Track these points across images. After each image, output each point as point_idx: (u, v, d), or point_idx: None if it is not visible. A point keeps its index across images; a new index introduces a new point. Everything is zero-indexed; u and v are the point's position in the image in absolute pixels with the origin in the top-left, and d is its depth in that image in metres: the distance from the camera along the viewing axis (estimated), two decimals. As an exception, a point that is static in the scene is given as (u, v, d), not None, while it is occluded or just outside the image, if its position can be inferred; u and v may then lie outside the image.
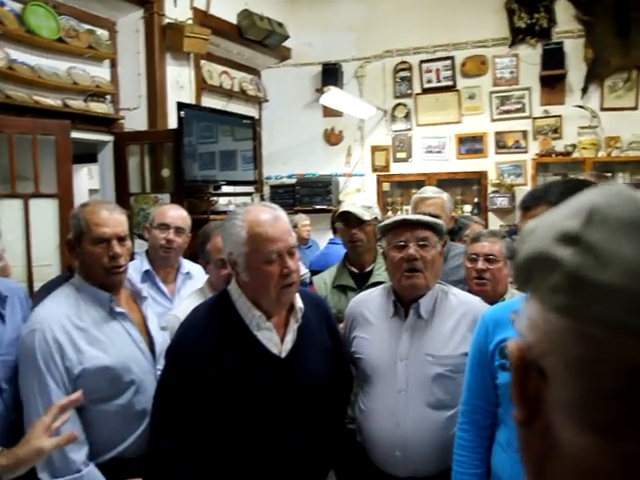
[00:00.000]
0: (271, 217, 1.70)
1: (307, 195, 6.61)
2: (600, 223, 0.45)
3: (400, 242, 1.99)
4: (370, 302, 2.12)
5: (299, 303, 1.79)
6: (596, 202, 0.47)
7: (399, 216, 2.14)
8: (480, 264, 2.41)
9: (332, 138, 6.91)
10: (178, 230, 2.76)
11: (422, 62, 6.49)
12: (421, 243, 1.98)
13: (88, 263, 1.96)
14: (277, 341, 1.74)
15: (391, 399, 1.95)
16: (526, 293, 0.50)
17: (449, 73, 6.41)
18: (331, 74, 6.55)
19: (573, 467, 0.46)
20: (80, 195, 5.66)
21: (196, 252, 2.85)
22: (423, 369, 1.93)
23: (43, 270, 4.01)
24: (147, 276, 2.71)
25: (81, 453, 1.81)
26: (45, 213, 4.18)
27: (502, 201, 6.07)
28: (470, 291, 2.48)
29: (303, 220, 5.85)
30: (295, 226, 6.00)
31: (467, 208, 6.30)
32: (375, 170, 6.74)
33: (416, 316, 2.00)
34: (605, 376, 0.43)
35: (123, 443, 1.91)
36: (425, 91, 6.53)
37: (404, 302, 2.03)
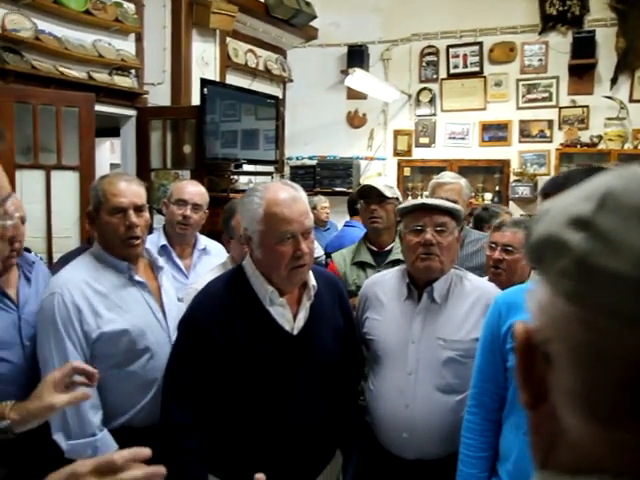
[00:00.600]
0: (289, 197, 1.69)
1: (327, 177, 6.58)
2: (613, 209, 0.44)
3: (418, 226, 1.99)
4: (384, 284, 2.12)
5: (312, 281, 1.79)
6: (611, 186, 0.45)
7: (418, 200, 2.12)
8: (497, 254, 2.39)
9: (355, 121, 6.87)
10: (195, 206, 2.76)
11: (449, 47, 6.39)
12: (439, 229, 1.97)
13: (106, 234, 1.99)
14: (290, 318, 1.75)
15: (401, 381, 1.95)
16: (539, 274, 0.49)
17: (476, 59, 6.32)
18: (357, 56, 6.48)
19: (577, 453, 0.46)
20: (101, 169, 5.70)
21: (214, 229, 2.87)
22: (434, 352, 1.93)
23: (63, 242, 4.06)
24: (163, 251, 2.73)
25: (97, 417, 1.85)
26: (66, 185, 4.22)
27: (524, 190, 6.00)
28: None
29: (322, 202, 5.83)
30: (314, 208, 5.99)
31: (488, 196, 6.24)
32: (397, 154, 6.69)
33: (429, 299, 2.00)
34: (609, 366, 0.42)
35: (132, 410, 1.95)
36: (451, 76, 6.44)
37: (418, 285, 2.03)
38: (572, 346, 0.44)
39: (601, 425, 0.43)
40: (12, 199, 0.91)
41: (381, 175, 6.57)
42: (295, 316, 1.77)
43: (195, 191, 2.82)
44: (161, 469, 0.89)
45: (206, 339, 1.67)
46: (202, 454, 1.68)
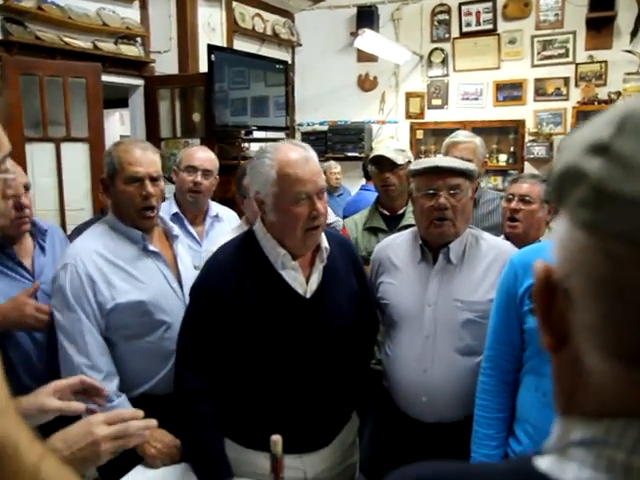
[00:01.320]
0: (301, 158, 1.65)
1: (339, 142, 6.51)
2: (632, 131, 0.41)
3: (430, 190, 1.92)
4: (396, 247, 2.08)
5: (325, 243, 1.76)
6: (631, 109, 0.43)
7: (430, 161, 2.04)
8: (514, 204, 2.35)
9: (366, 84, 6.75)
10: (206, 172, 2.73)
11: (461, 4, 6.22)
12: (452, 191, 1.91)
13: (121, 202, 1.97)
14: (302, 281, 1.72)
15: (418, 345, 1.92)
16: (560, 212, 0.47)
17: (489, 16, 6.15)
18: (366, 17, 6.34)
19: (600, 397, 0.44)
20: (111, 141, 5.66)
21: (225, 197, 2.84)
22: (452, 314, 1.90)
23: (76, 214, 4.06)
24: (175, 219, 2.70)
25: (113, 384, 1.85)
26: (76, 157, 4.21)
27: (539, 150, 5.89)
28: (506, 235, 2.42)
29: (332, 167, 5.77)
30: (324, 173, 5.93)
31: (503, 157, 6.14)
32: (409, 117, 6.59)
33: (445, 261, 1.95)
34: (628, 297, 0.40)
35: (151, 380, 1.95)
36: (463, 35, 6.29)
37: (431, 247, 1.99)
38: (592, 279, 0.42)
39: (624, 364, 0.42)
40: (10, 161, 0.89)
41: (393, 138, 6.48)
42: (308, 279, 1.74)
43: (205, 157, 2.78)
44: (152, 421, 1.16)
45: (218, 304, 1.65)
46: (217, 418, 1.67)
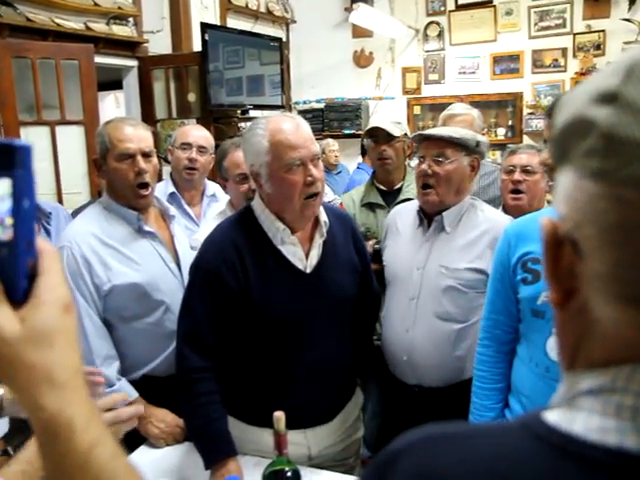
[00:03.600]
0: (292, 125, 1.65)
1: (336, 120, 6.47)
2: None
3: (421, 157, 2.01)
4: (404, 213, 2.15)
5: (324, 217, 1.75)
6: (636, 57, 0.43)
7: (421, 131, 2.14)
8: (517, 175, 2.34)
9: (362, 60, 6.69)
10: (201, 149, 2.71)
11: (457, -24, 6.14)
12: (435, 159, 1.96)
13: (114, 181, 1.95)
14: (302, 256, 1.72)
15: (404, 306, 1.99)
16: (561, 169, 0.46)
17: (485, -13, 6.06)
18: (360, -9, 6.25)
19: (609, 343, 0.44)
20: (107, 123, 5.63)
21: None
22: (436, 280, 1.95)
23: (73, 198, 4.03)
24: (172, 199, 2.68)
25: (112, 368, 1.85)
26: (72, 140, 4.17)
27: (538, 123, 5.85)
28: (504, 208, 2.42)
29: (330, 145, 5.73)
30: (322, 152, 5.90)
31: (501, 131, 6.10)
32: (406, 93, 6.54)
33: (439, 229, 2.00)
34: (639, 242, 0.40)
35: (153, 361, 1.95)
36: (459, 7, 6.21)
37: (427, 215, 2.04)
38: (603, 226, 0.42)
39: (635, 308, 0.42)
40: None
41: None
42: (307, 254, 1.74)
43: (199, 134, 2.76)
44: (140, 407, 1.22)
45: (218, 281, 1.64)
46: (220, 396, 1.68)
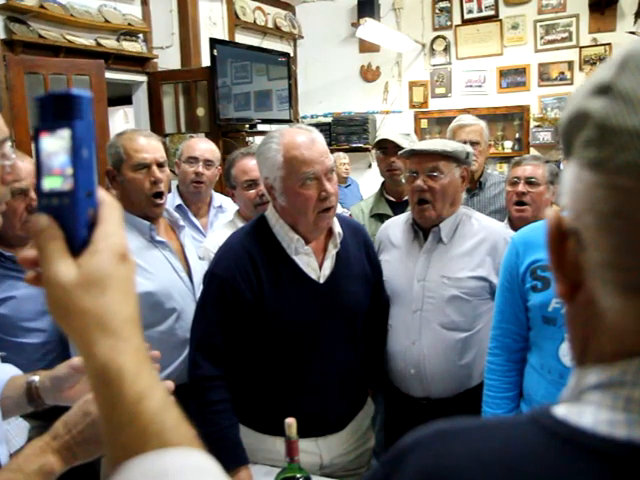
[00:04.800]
0: (307, 139, 1.66)
1: (343, 134, 6.50)
2: (634, 69, 0.43)
3: (413, 172, 1.98)
4: (396, 227, 2.13)
5: (338, 228, 1.77)
6: (632, 49, 0.44)
7: (411, 145, 2.10)
8: (520, 187, 2.34)
9: (369, 75, 6.73)
10: (207, 162, 2.73)
11: (462, -9, 6.19)
12: (430, 174, 1.95)
13: (130, 190, 1.97)
14: (315, 266, 1.73)
15: (408, 318, 1.98)
16: (567, 164, 0.48)
17: (491, 1, 6.10)
18: (367, 6, 6.28)
19: (617, 336, 0.45)
20: (117, 137, 5.68)
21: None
22: (439, 290, 1.95)
23: (84, 211, 4.07)
24: (179, 211, 2.70)
25: None
26: (83, 154, 4.21)
27: (545, 136, 5.86)
28: (510, 219, 2.42)
29: (341, 158, 5.74)
30: None
31: (508, 144, 6.11)
32: (413, 107, 6.56)
33: (436, 240, 2.00)
34: (637, 227, 0.41)
35: (166, 370, 1.96)
36: (465, 22, 6.25)
37: (422, 227, 2.04)
38: (600, 214, 0.43)
39: (636, 296, 0.42)
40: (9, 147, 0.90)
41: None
42: (321, 265, 1.75)
43: (205, 147, 2.79)
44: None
45: (232, 290, 1.65)
46: (232, 405, 1.68)
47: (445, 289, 1.94)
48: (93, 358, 0.52)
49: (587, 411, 0.44)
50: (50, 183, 0.53)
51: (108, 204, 0.56)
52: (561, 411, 0.46)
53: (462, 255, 1.96)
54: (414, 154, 1.99)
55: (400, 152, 2.05)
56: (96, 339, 0.52)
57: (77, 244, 0.53)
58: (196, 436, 0.58)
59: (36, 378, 1.17)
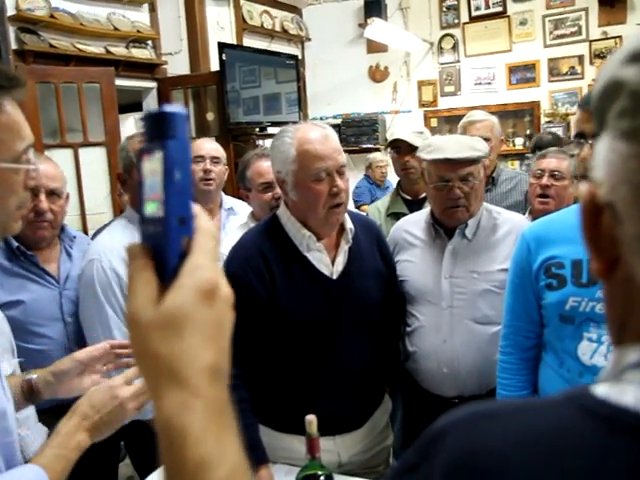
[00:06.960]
0: (320, 135, 1.66)
1: (353, 135, 6.50)
2: None
3: (443, 182, 1.91)
4: (413, 226, 2.09)
5: (349, 224, 1.76)
6: None
7: (440, 150, 1.94)
8: (545, 179, 2.32)
9: (377, 75, 6.73)
10: (214, 160, 2.73)
11: (469, -12, 6.18)
12: (464, 181, 1.91)
13: None
14: (328, 262, 1.72)
15: (437, 316, 1.95)
16: (601, 137, 0.46)
17: (499, -2, 6.09)
18: (374, 7, 6.29)
19: None
20: (128, 144, 5.71)
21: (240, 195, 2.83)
22: (469, 285, 1.92)
23: (97, 218, 4.09)
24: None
25: None
26: (94, 162, 4.24)
27: (556, 131, 5.81)
28: (531, 212, 2.40)
29: (377, 161, 5.66)
30: (369, 167, 5.89)
31: (519, 141, 6.08)
32: (422, 106, 6.56)
33: (461, 236, 1.97)
34: None
35: None
36: (473, 19, 6.24)
37: (445, 226, 1.99)
38: (635, 186, 0.42)
39: None
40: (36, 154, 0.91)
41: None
42: (333, 261, 1.74)
43: (211, 146, 2.80)
44: None
45: (245, 288, 1.65)
46: (251, 404, 1.68)
47: (476, 284, 1.91)
48: (159, 411, 0.47)
49: (629, 390, 0.43)
50: (149, 209, 0.49)
51: (203, 231, 0.50)
52: (601, 390, 0.45)
53: (489, 249, 1.94)
54: (445, 161, 1.90)
55: (429, 159, 1.95)
56: (164, 390, 0.47)
57: (167, 276, 0.48)
58: None
59: (34, 376, 1.24)
